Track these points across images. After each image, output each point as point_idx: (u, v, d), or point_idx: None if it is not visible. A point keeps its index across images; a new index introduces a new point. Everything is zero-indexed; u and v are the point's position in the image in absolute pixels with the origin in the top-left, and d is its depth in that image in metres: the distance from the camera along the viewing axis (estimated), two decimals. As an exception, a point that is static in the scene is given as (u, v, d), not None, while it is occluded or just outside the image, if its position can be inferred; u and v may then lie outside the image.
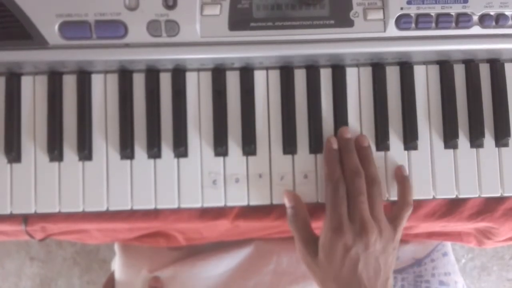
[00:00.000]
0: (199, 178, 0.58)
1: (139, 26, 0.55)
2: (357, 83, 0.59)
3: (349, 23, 0.56)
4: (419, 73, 0.60)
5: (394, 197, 0.58)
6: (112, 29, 0.54)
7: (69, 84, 0.58)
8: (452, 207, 0.62)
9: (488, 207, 0.62)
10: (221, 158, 0.58)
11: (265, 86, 0.59)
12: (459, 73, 0.60)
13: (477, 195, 0.59)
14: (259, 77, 0.59)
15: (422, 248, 0.76)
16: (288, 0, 0.56)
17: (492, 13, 0.56)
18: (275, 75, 0.59)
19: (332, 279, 0.54)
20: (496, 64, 0.60)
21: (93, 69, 0.58)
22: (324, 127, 0.59)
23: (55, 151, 0.57)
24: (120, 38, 0.55)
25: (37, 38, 0.54)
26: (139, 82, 0.58)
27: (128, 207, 0.57)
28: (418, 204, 0.61)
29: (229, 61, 0.58)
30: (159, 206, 0.58)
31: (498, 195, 0.59)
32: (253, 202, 0.58)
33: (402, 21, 0.56)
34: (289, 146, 0.58)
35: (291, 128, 0.58)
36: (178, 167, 0.58)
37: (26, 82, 0.58)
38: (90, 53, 0.55)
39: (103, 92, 0.58)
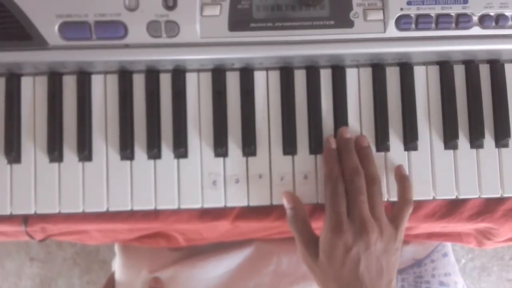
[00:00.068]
0: (199, 179, 0.58)
1: (139, 26, 0.55)
2: (357, 84, 0.59)
3: (349, 24, 0.56)
4: (419, 73, 0.60)
5: (394, 197, 0.58)
6: (112, 29, 0.54)
7: (69, 84, 0.58)
8: (452, 208, 0.62)
9: (488, 207, 0.62)
10: (221, 159, 0.58)
11: (265, 86, 0.59)
12: (459, 73, 0.60)
13: (477, 196, 0.59)
14: (259, 77, 0.59)
15: (422, 249, 0.76)
16: (288, 1, 0.56)
17: (492, 14, 0.56)
18: (275, 76, 0.59)
19: (333, 280, 0.53)
20: (496, 65, 0.60)
21: (93, 69, 0.58)
22: (324, 128, 0.59)
23: (55, 151, 0.57)
24: (120, 39, 0.55)
25: (37, 38, 0.54)
26: (139, 83, 0.58)
27: (128, 208, 0.57)
28: (418, 204, 0.61)
29: (229, 62, 0.58)
30: (159, 207, 0.58)
31: (498, 195, 0.59)
32: (253, 203, 0.58)
33: (402, 22, 0.56)
34: (289, 147, 0.58)
35: (291, 129, 0.58)
36: (178, 168, 0.58)
37: (26, 83, 0.58)
38: (90, 53, 0.55)
39: (103, 93, 0.58)
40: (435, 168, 0.59)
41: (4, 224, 0.61)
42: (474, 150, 0.59)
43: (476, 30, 0.56)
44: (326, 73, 0.59)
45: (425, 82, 0.60)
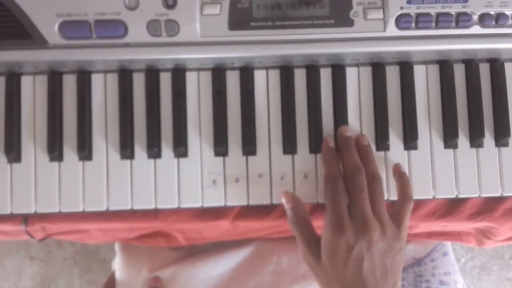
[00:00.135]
0: (199, 178, 0.58)
1: (139, 25, 0.55)
2: (357, 83, 0.59)
3: (349, 23, 0.56)
4: (419, 72, 0.60)
5: (394, 196, 0.58)
6: (112, 28, 0.54)
7: (69, 84, 0.58)
8: (452, 207, 0.62)
9: (488, 207, 0.62)
10: (221, 158, 0.58)
11: (265, 85, 0.59)
12: (459, 72, 0.60)
13: (477, 195, 0.59)
14: (259, 76, 0.59)
15: (422, 248, 0.76)
16: (288, 0, 0.56)
17: (492, 13, 0.56)
18: (275, 75, 0.59)
19: (336, 280, 0.52)
20: (496, 64, 0.60)
21: (93, 68, 0.58)
22: (324, 127, 0.59)
23: (55, 151, 0.57)
24: (120, 38, 0.55)
25: (37, 37, 0.54)
26: (139, 82, 0.58)
27: (128, 207, 0.57)
28: (418, 204, 0.61)
29: (229, 61, 0.58)
30: (159, 206, 0.58)
31: (498, 195, 0.59)
32: (253, 202, 0.58)
33: (402, 21, 0.56)
34: (289, 146, 0.58)
35: (291, 128, 0.58)
36: (178, 167, 0.58)
37: (26, 82, 0.58)
38: (90, 52, 0.55)
39: (103, 92, 0.58)
40: (435, 167, 0.59)
41: (4, 223, 0.61)
42: (474, 149, 0.59)
43: (476, 29, 0.56)
44: (326, 72, 0.59)
45: (425, 81, 0.60)
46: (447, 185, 0.59)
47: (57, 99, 0.58)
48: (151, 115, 0.58)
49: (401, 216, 0.55)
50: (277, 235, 0.70)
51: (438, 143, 0.59)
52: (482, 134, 0.59)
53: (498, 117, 0.59)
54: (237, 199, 0.58)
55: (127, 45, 0.55)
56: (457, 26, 0.56)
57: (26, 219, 0.61)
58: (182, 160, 0.58)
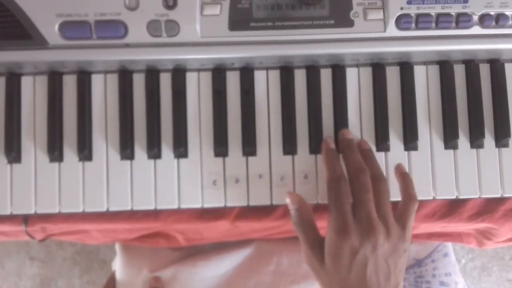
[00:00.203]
0: (199, 179, 0.58)
1: (139, 26, 0.55)
2: (357, 83, 0.59)
3: (349, 23, 0.56)
4: (419, 73, 0.60)
5: (395, 197, 0.58)
6: (112, 29, 0.54)
7: (69, 84, 0.58)
8: (452, 208, 0.62)
9: (488, 207, 0.62)
10: (221, 159, 0.58)
11: (265, 86, 0.59)
12: (459, 73, 0.60)
13: (477, 196, 0.59)
14: (259, 77, 0.59)
15: (422, 249, 0.76)
16: (288, 0, 0.56)
17: (492, 13, 0.56)
18: (275, 75, 0.59)
19: (339, 284, 0.51)
20: (496, 64, 0.60)
21: (93, 69, 0.58)
22: (324, 128, 0.59)
23: (55, 151, 0.57)
24: (120, 38, 0.55)
25: (37, 38, 0.54)
26: (139, 82, 0.58)
27: (128, 208, 0.57)
28: (419, 204, 0.61)
29: (229, 61, 0.58)
30: (159, 207, 0.58)
31: (498, 195, 0.59)
32: (253, 203, 0.58)
33: (402, 21, 0.56)
34: (289, 147, 0.58)
35: (291, 128, 0.58)
36: (178, 168, 0.58)
37: (26, 82, 0.58)
38: (90, 53, 0.55)
39: (103, 92, 0.58)
40: (435, 168, 0.59)
41: (4, 224, 0.61)
42: (474, 150, 0.59)
43: (476, 30, 0.56)
44: (326, 72, 0.59)
45: (425, 81, 0.60)
46: (447, 186, 0.59)
47: (57, 100, 0.58)
48: (151, 116, 0.58)
49: (406, 217, 0.54)
50: (277, 235, 0.70)
51: (438, 143, 0.59)
52: (482, 135, 0.59)
53: (498, 118, 0.59)
54: (237, 199, 0.58)
55: (127, 45, 0.55)
56: (457, 26, 0.56)
57: (26, 219, 0.61)
58: (182, 160, 0.58)
